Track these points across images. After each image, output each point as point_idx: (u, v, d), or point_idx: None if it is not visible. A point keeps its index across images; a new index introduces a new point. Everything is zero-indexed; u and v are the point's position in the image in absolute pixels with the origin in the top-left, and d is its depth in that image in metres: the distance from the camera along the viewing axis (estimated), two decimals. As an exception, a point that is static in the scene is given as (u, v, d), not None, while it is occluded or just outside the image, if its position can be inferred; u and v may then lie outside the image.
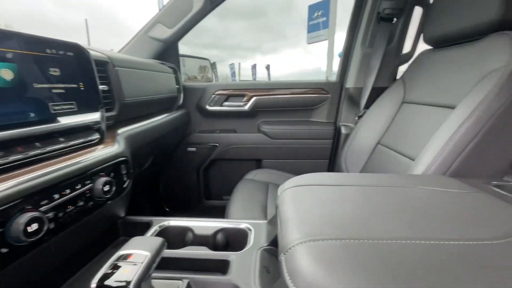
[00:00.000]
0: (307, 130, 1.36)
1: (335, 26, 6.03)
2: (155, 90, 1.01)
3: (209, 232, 0.64)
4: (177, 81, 1.24)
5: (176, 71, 1.24)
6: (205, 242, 0.63)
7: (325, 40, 6.25)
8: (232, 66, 9.66)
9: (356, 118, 1.25)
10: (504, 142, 0.69)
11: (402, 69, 1.23)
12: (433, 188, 0.51)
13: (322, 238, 0.33)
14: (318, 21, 7.22)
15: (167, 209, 1.55)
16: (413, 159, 0.81)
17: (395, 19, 1.16)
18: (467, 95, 0.70)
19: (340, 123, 1.34)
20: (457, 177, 0.68)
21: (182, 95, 1.28)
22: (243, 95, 1.36)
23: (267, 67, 9.28)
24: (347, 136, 1.26)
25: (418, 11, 1.16)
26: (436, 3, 0.93)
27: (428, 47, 1.00)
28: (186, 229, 0.65)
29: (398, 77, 1.15)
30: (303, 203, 0.44)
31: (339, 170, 1.22)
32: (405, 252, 0.31)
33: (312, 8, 7.51)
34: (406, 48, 1.24)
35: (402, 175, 0.63)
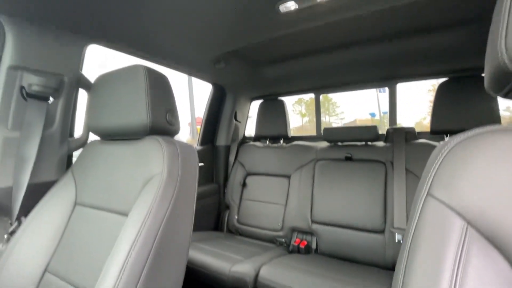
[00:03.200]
0: None
1: None
2: None
3: None
4: None
5: None
6: None
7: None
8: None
9: (6, 235, 0.79)
10: (171, 255, 0.67)
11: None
12: None
13: None
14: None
15: None
16: None
17: (52, 99, 0.89)
18: (136, 202, 0.65)
19: None
20: None
21: None
22: None
23: None
24: None
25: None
26: (93, 93, 0.83)
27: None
28: None
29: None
30: None
31: None
32: None
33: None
34: (79, 131, 1.02)
35: None
